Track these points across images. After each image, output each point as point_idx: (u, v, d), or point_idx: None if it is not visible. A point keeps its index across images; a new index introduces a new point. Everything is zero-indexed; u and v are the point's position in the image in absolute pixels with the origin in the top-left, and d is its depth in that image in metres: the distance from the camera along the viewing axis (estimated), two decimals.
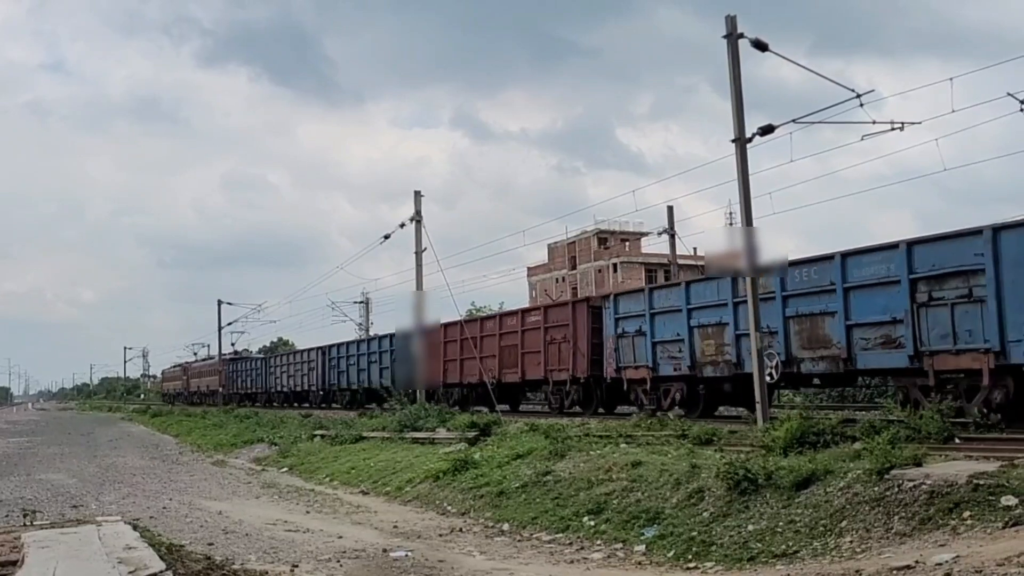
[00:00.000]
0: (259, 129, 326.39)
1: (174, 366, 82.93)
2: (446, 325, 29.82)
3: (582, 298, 28.41)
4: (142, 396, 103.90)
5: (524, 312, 27.68)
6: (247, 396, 54.01)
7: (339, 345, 41.43)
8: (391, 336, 35.05)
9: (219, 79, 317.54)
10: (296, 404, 45.49)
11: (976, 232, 13.68)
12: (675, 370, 20.08)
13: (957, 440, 11.75)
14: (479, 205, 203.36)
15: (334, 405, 41.12)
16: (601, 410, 23.59)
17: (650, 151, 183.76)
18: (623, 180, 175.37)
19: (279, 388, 49.03)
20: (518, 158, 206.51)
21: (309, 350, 45.49)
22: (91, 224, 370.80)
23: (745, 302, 16.61)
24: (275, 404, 48.29)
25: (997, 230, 13.45)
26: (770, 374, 16.57)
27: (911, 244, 14.73)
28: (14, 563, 4.59)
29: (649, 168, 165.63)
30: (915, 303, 14.49)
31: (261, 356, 60.06)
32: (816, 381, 18.71)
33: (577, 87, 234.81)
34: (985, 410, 13.46)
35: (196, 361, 74.35)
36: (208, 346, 75.79)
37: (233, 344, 62.14)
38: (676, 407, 20.41)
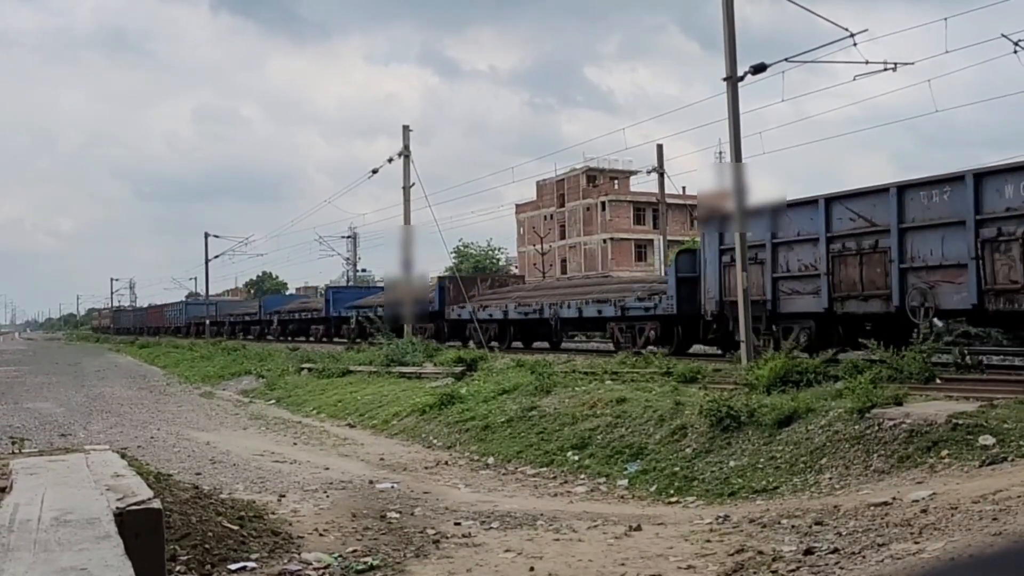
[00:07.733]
0: (228, 63, 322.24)
1: (99, 310, 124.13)
2: None
3: None
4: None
5: None
6: (126, 329, 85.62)
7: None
8: None
9: (182, 9, 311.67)
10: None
11: None
12: None
13: (938, 381, 11.86)
14: (453, 142, 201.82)
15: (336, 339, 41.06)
16: None
17: (620, 90, 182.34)
18: (596, 119, 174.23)
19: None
20: (489, 95, 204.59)
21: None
22: (64, 155, 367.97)
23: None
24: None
25: None
26: None
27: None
28: (2, 489, 4.61)
29: (620, 108, 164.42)
30: None
31: (143, 308, 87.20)
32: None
33: (543, 25, 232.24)
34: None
35: (103, 309, 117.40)
36: (195, 278, 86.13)
37: (119, 301, 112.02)
38: None
